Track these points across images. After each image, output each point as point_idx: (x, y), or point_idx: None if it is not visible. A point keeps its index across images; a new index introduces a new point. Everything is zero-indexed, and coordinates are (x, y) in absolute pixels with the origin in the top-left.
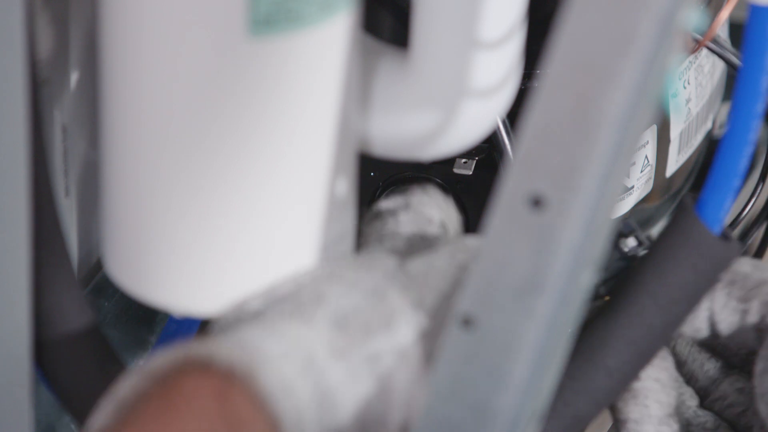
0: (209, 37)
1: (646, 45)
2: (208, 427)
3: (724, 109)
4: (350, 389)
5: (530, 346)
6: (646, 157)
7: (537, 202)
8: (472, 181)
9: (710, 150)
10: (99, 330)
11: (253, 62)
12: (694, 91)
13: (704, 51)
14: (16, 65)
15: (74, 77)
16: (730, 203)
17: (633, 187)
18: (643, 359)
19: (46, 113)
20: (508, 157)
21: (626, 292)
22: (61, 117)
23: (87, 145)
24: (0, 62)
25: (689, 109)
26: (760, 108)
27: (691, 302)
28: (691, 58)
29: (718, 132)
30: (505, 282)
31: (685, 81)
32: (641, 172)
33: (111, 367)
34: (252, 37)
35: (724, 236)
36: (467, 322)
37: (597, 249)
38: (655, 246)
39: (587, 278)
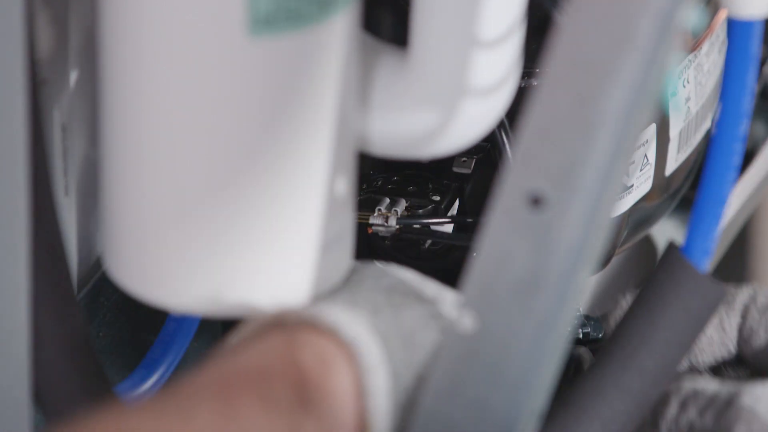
0: (209, 37)
1: (646, 44)
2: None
3: None
4: (425, 332)
5: (529, 345)
6: (646, 155)
7: (536, 201)
8: (471, 179)
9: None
10: (88, 346)
11: (252, 62)
12: (693, 89)
13: (704, 50)
14: (16, 65)
15: (74, 76)
16: (715, 240)
17: (632, 185)
18: (638, 407)
19: (46, 112)
20: (508, 156)
21: (618, 339)
22: (60, 116)
23: (87, 144)
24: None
25: (689, 107)
26: (737, 160)
27: (683, 344)
28: (691, 56)
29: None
30: (504, 281)
31: (684, 80)
32: (641, 170)
33: (96, 386)
34: (252, 36)
35: (712, 275)
36: (467, 321)
37: (596, 248)
38: (645, 290)
39: (586, 277)
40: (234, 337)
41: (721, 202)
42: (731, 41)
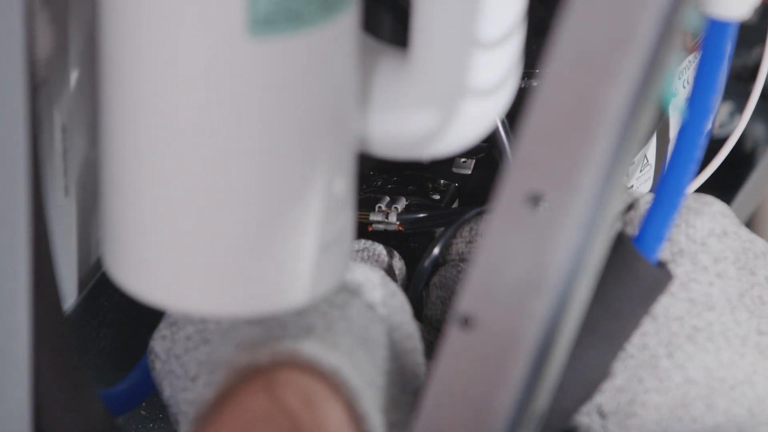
0: (209, 38)
1: (646, 44)
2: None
3: (724, 109)
4: (372, 326)
5: (529, 345)
6: (646, 156)
7: (536, 201)
8: (471, 179)
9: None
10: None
11: (252, 62)
12: None
13: None
14: (16, 65)
15: (74, 77)
16: (667, 234)
17: (632, 186)
18: (586, 391)
19: (46, 113)
20: (508, 157)
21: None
22: (60, 117)
23: (87, 145)
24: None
25: None
26: (698, 154)
27: (629, 330)
28: (691, 57)
29: (717, 131)
30: (505, 281)
31: (684, 80)
32: (641, 171)
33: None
34: (251, 37)
35: (660, 265)
36: (467, 322)
37: (596, 248)
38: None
39: (587, 278)
40: (212, 391)
41: (679, 194)
42: (705, 39)
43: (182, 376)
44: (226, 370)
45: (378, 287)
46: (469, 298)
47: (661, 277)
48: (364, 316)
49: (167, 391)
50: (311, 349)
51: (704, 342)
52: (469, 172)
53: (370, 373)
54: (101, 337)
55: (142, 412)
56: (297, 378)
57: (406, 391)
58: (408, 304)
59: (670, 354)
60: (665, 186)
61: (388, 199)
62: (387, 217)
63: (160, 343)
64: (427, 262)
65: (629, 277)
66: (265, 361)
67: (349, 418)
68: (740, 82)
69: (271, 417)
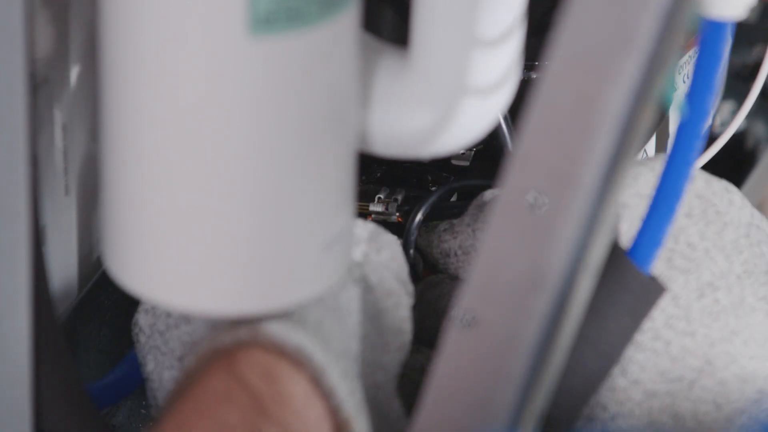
0: (209, 36)
1: (647, 44)
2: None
3: (725, 107)
4: (345, 292)
5: (530, 344)
6: (645, 152)
7: (536, 200)
8: (470, 171)
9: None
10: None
11: (253, 61)
12: None
13: None
14: (16, 64)
15: (74, 76)
16: (664, 235)
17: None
18: (580, 403)
19: (46, 112)
20: (507, 149)
21: None
22: (61, 115)
23: (87, 143)
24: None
25: None
26: (693, 158)
27: (624, 342)
28: (691, 53)
29: (717, 129)
30: (505, 280)
31: (684, 76)
32: None
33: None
34: (252, 36)
35: (653, 277)
36: (467, 321)
37: (596, 247)
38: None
39: (587, 277)
40: (180, 374)
41: (675, 200)
42: (702, 40)
43: (167, 353)
44: (193, 354)
45: (362, 242)
46: (469, 297)
47: (653, 288)
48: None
49: (150, 365)
50: (272, 328)
51: (651, 342)
52: (468, 163)
53: (341, 342)
54: (101, 336)
55: (143, 411)
56: (258, 356)
57: (388, 350)
58: (400, 257)
59: (624, 371)
60: (661, 193)
61: (387, 190)
62: (387, 208)
63: (143, 317)
64: (413, 227)
65: (622, 289)
66: (227, 343)
67: (316, 393)
68: (740, 80)
69: (230, 393)
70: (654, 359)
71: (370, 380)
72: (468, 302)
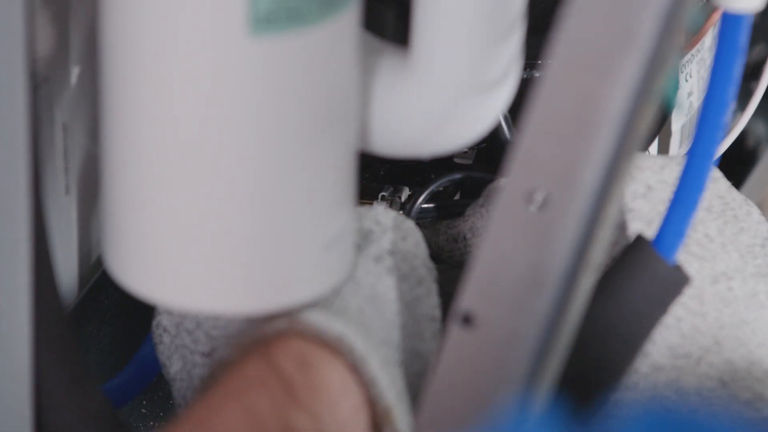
0: (210, 36)
1: (648, 41)
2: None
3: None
4: (381, 281)
5: (531, 343)
6: (648, 150)
7: (537, 199)
8: (472, 170)
9: None
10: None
11: (253, 61)
12: (696, 84)
13: (706, 44)
14: (16, 64)
15: (74, 75)
16: (687, 227)
17: None
18: (605, 394)
19: (47, 111)
20: (509, 148)
21: (586, 328)
22: (61, 115)
23: (87, 143)
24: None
25: (691, 102)
26: (715, 150)
27: (646, 331)
28: (693, 51)
29: None
30: (506, 279)
31: (687, 74)
32: None
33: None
34: (252, 35)
35: (677, 267)
36: (468, 319)
37: (597, 246)
38: (611, 281)
39: (588, 276)
40: (215, 364)
41: (698, 192)
42: (721, 33)
43: (195, 351)
44: (231, 346)
45: (389, 231)
46: (469, 296)
47: (679, 278)
48: (371, 273)
49: (177, 365)
50: (312, 316)
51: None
52: (471, 162)
53: (382, 331)
54: (102, 335)
55: (143, 410)
56: (295, 344)
57: (424, 338)
58: (423, 242)
59: None
60: (684, 184)
61: (391, 188)
62: (390, 206)
63: (167, 317)
64: (412, 213)
65: (647, 279)
66: (266, 333)
67: (355, 381)
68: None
69: (263, 379)
70: (664, 333)
71: (409, 370)
72: (468, 301)
